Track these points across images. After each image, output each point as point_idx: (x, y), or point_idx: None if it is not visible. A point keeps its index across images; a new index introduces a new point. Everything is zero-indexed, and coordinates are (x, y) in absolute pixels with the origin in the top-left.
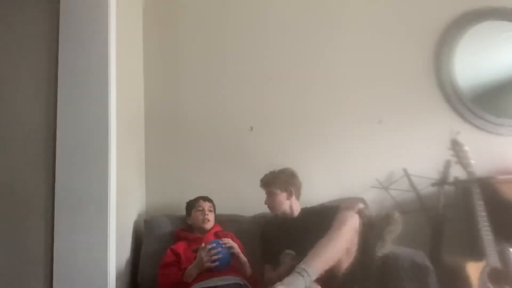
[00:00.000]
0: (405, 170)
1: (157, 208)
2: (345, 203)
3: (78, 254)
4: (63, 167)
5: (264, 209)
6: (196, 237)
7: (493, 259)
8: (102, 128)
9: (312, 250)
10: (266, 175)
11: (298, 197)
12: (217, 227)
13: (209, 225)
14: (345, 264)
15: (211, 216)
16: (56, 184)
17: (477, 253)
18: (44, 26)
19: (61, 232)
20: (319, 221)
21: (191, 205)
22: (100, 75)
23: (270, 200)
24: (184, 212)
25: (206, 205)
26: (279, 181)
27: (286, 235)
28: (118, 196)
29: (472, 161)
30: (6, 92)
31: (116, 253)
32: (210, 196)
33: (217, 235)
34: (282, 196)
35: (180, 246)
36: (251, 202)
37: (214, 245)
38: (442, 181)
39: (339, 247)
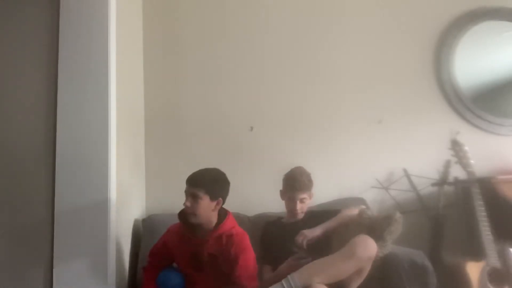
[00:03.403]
0: (405, 170)
1: (157, 208)
2: (346, 207)
3: (78, 254)
4: (63, 167)
5: (264, 209)
6: (193, 238)
7: (493, 259)
8: (102, 128)
9: (312, 263)
10: (300, 180)
11: None
12: (227, 225)
13: (193, 219)
14: (355, 283)
15: (194, 208)
16: (56, 184)
17: (477, 253)
18: (44, 26)
19: (61, 233)
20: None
21: None
22: (100, 75)
23: (303, 207)
24: None
25: (189, 191)
26: (311, 185)
27: (288, 237)
28: (118, 196)
29: (472, 161)
30: (6, 92)
31: (116, 253)
32: None
33: (221, 241)
34: (309, 202)
35: (174, 242)
36: (252, 202)
37: None
38: (442, 181)
39: (341, 272)
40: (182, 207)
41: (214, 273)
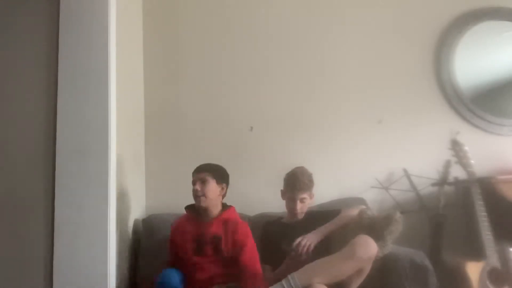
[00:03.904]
0: (405, 170)
1: (157, 208)
2: (347, 207)
3: (78, 254)
4: (63, 167)
5: (264, 209)
6: (198, 221)
7: (493, 259)
8: (102, 128)
9: (312, 264)
10: (301, 179)
11: None
12: (231, 213)
13: (203, 202)
14: (355, 283)
15: (204, 190)
16: (56, 184)
17: (477, 253)
18: (44, 26)
19: (61, 232)
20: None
21: None
22: (100, 75)
23: (303, 207)
24: (184, 211)
25: (198, 177)
26: (312, 185)
27: (288, 237)
28: (118, 196)
29: (472, 161)
30: (6, 92)
31: (116, 253)
32: None
33: (226, 225)
34: (310, 202)
35: (178, 235)
36: (252, 202)
37: None
38: (442, 181)
39: (342, 272)
40: (182, 206)
41: (216, 257)
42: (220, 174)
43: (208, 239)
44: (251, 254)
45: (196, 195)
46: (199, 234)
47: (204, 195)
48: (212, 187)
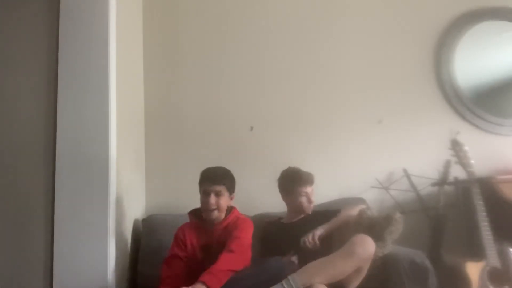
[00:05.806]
0: (405, 170)
1: (157, 208)
2: (346, 206)
3: (78, 254)
4: (63, 167)
5: (264, 209)
6: (203, 229)
7: (493, 259)
8: (102, 127)
9: (312, 264)
10: (304, 172)
11: None
12: (234, 215)
13: (215, 215)
14: (355, 282)
15: (219, 204)
16: (56, 184)
17: (477, 253)
18: (44, 26)
19: (61, 232)
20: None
21: (200, 181)
22: (100, 75)
23: (311, 200)
24: (184, 212)
25: (214, 189)
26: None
27: (288, 237)
28: (118, 196)
29: (472, 161)
30: (6, 92)
31: (116, 253)
32: None
33: (227, 230)
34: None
35: (188, 235)
36: (252, 202)
37: None
38: (442, 181)
39: (341, 271)
40: (182, 206)
41: None
42: (232, 184)
43: (214, 246)
44: (240, 245)
45: (208, 208)
46: (206, 243)
47: (217, 208)
48: (225, 200)
